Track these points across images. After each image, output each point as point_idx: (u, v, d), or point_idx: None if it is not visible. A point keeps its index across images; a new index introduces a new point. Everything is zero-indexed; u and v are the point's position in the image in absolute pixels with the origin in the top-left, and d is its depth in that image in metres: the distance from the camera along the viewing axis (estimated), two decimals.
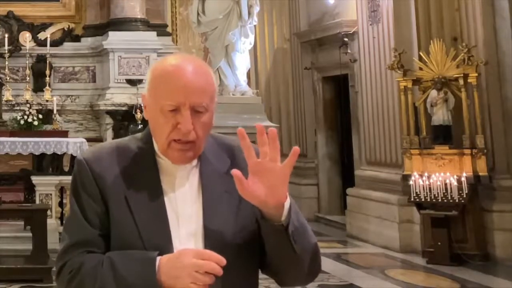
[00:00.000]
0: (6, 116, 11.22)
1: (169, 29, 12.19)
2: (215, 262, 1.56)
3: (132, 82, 10.11)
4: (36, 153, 8.96)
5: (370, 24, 9.03)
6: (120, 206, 1.68)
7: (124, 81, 10.79)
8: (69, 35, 12.12)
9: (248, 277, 1.73)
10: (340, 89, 10.77)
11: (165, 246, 1.64)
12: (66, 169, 8.98)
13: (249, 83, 10.18)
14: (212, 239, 1.66)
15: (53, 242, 7.03)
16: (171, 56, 1.77)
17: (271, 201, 1.58)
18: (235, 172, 1.56)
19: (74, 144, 8.87)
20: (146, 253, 1.63)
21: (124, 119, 10.86)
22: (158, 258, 1.60)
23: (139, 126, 9.45)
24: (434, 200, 7.46)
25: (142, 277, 1.59)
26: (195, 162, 1.74)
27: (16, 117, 10.82)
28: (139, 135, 1.81)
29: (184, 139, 1.65)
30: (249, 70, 10.15)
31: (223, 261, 1.56)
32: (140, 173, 1.71)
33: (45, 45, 11.31)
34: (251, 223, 1.67)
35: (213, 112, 1.71)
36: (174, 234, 1.67)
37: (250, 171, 1.58)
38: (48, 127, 10.71)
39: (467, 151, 7.52)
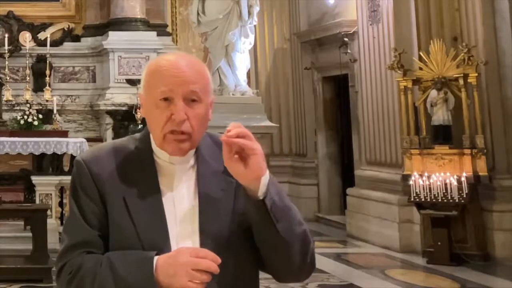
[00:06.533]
0: (6, 116, 11.23)
1: (169, 29, 12.20)
2: (211, 260, 1.58)
3: (132, 82, 10.10)
4: (36, 153, 8.96)
5: (370, 24, 9.03)
6: (119, 207, 1.70)
7: (124, 81, 10.79)
8: (69, 35, 12.13)
9: (246, 277, 1.73)
10: (340, 89, 10.77)
11: (163, 246, 1.65)
12: (66, 169, 8.98)
13: (249, 83, 10.16)
14: (209, 239, 1.67)
15: (53, 242, 7.03)
16: (166, 54, 1.81)
17: (249, 173, 1.60)
18: (226, 139, 1.58)
19: (74, 144, 8.88)
20: (144, 253, 1.64)
21: (124, 119, 10.86)
22: (156, 257, 1.61)
23: (139, 126, 9.44)
24: (434, 200, 7.46)
25: (140, 276, 1.60)
26: (192, 162, 1.76)
27: (16, 117, 10.81)
28: (137, 135, 1.82)
29: (178, 129, 1.66)
30: (249, 70, 10.13)
31: (218, 259, 1.58)
32: (138, 174, 1.72)
33: (45, 45, 11.31)
34: (246, 221, 1.67)
35: (209, 106, 1.73)
36: (171, 234, 1.68)
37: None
38: (48, 127, 10.70)
39: (467, 151, 7.51)
